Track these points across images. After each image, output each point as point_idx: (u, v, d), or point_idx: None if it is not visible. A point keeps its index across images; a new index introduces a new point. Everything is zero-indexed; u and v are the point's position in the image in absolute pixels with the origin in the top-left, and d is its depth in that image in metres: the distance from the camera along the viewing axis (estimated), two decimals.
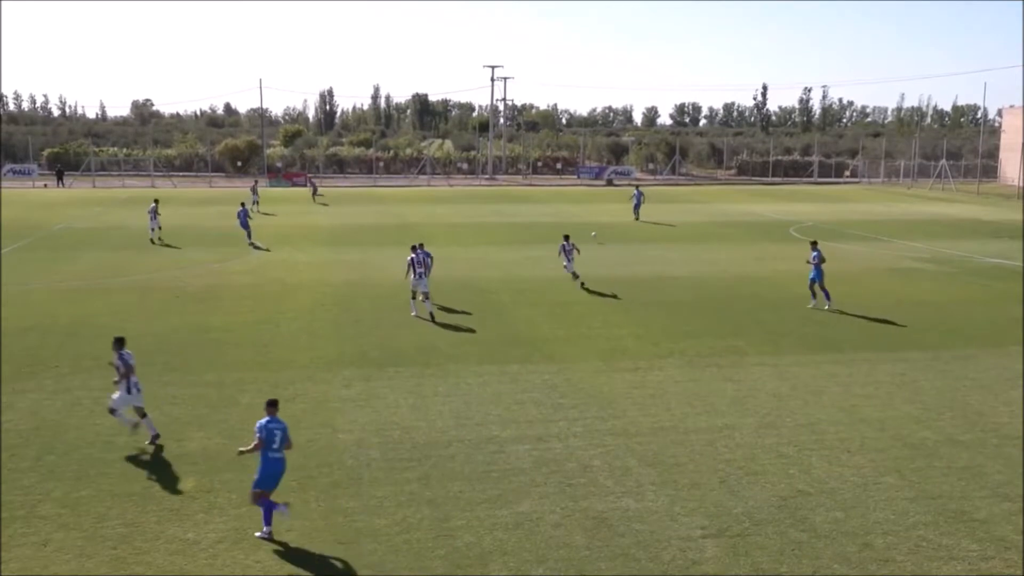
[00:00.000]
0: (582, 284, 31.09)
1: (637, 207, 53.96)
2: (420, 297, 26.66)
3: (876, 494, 14.41)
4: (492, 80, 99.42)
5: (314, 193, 68.49)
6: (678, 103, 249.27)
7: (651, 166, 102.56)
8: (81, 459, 15.56)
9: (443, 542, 12.69)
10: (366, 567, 12.03)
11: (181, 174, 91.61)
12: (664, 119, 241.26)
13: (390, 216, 55.72)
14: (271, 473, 13.10)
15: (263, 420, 13.24)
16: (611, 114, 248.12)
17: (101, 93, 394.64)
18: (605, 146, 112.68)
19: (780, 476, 15.10)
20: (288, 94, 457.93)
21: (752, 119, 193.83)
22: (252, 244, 41.46)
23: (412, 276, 26.35)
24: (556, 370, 21.19)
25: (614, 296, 29.93)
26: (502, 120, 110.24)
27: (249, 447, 13.39)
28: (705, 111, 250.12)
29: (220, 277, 33.35)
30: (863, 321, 26.67)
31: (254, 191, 59.59)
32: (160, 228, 43.64)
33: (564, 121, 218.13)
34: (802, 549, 12.57)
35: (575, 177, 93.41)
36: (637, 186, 57.59)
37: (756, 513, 13.66)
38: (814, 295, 28.38)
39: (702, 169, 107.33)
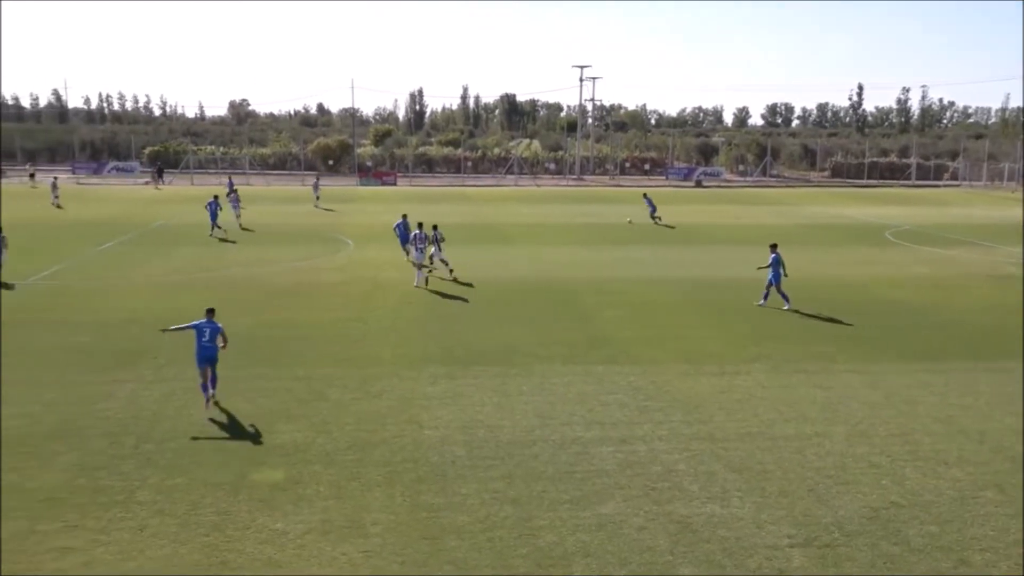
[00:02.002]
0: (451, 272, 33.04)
1: (653, 213, 52.94)
2: (422, 270, 31.70)
3: (974, 509, 13.93)
4: (581, 80, 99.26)
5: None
6: (770, 103, 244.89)
7: (741, 167, 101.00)
8: (176, 448, 16.04)
9: (526, 541, 12.71)
10: (449, 563, 12.12)
11: (275, 172, 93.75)
12: (755, 119, 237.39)
13: (476, 216, 56.03)
14: (200, 357, 18.00)
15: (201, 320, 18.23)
16: (701, 114, 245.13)
17: (200, 93, 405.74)
18: (694, 147, 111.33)
19: (872, 487, 14.71)
20: (379, 94, 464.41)
21: (847, 120, 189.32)
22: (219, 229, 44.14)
23: (414, 252, 31.54)
24: (641, 372, 21.04)
25: (699, 298, 29.56)
26: (590, 120, 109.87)
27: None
28: (798, 111, 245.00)
29: (310, 274, 34.00)
30: (960, 329, 25.81)
31: (316, 188, 62.11)
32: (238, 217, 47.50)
33: (653, 121, 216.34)
34: (894, 563, 12.22)
35: (663, 178, 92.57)
36: (645, 194, 57.27)
37: (846, 524, 13.34)
38: (783, 296, 28.04)
39: (794, 171, 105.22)
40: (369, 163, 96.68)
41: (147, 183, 78.79)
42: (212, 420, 17.46)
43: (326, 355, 22.32)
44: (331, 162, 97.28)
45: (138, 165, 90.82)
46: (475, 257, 38.15)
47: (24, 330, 24.42)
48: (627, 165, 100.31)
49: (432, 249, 32.98)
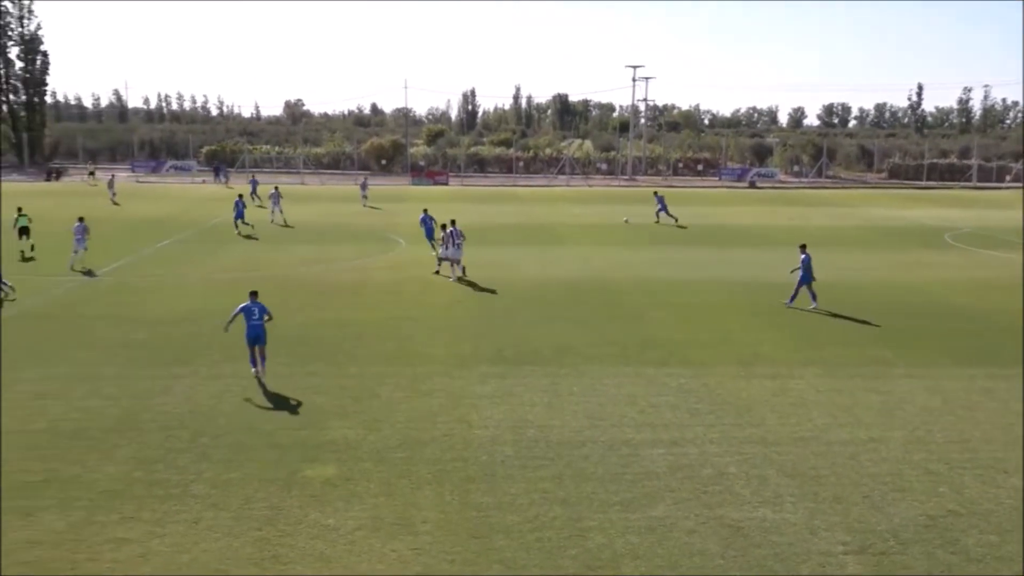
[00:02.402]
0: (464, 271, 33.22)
1: (662, 211, 52.63)
2: (454, 264, 32.76)
3: None
4: (634, 80, 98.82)
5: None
6: (826, 103, 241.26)
7: (796, 168, 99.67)
8: (231, 443, 16.28)
9: (575, 542, 12.67)
10: (498, 563, 12.14)
11: (329, 171, 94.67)
12: (811, 120, 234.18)
13: (528, 216, 56.04)
14: (250, 337, 19.72)
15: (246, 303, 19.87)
16: (755, 115, 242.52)
17: (256, 94, 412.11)
18: (748, 147, 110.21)
19: (929, 494, 14.42)
20: (432, 94, 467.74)
21: (906, 120, 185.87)
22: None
23: (449, 248, 32.56)
24: (692, 374, 20.87)
25: (752, 301, 29.25)
26: (642, 120, 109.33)
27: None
28: (855, 112, 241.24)
29: (362, 273, 34.28)
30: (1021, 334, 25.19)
31: (363, 187, 62.42)
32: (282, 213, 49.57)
33: (706, 122, 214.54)
34: (952, 572, 11.97)
35: (716, 179, 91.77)
36: (655, 191, 57.08)
37: (902, 531, 13.10)
38: (812, 295, 28.04)
39: (850, 172, 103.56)
40: (421, 163, 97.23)
41: (217, 182, 79.81)
42: (266, 416, 17.68)
43: (378, 353, 22.49)
44: (384, 162, 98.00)
45: (195, 164, 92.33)
46: (526, 257, 38.17)
47: (87, 325, 24.98)
48: (680, 166, 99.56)
49: (441, 248, 33.57)
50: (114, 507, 13.62)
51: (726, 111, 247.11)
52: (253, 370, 20.13)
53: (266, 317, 20.04)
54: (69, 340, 23.30)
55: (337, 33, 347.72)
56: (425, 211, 40.35)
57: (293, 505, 13.77)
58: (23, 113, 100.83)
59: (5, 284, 28.67)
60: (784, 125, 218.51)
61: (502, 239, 44.34)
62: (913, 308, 28.44)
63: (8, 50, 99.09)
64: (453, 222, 33.65)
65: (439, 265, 33.98)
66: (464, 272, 33.16)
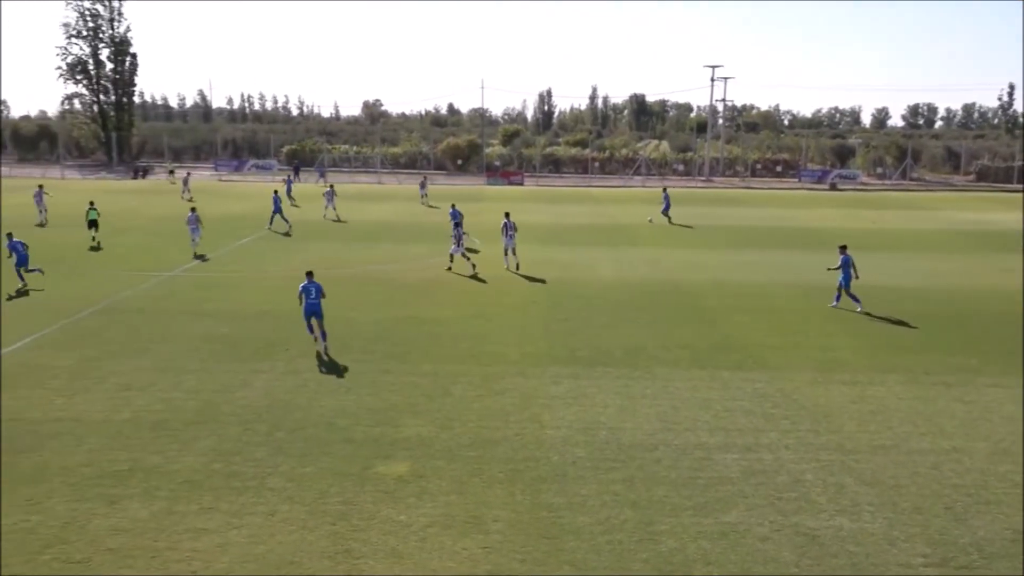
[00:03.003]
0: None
1: (666, 210, 52.46)
2: (510, 253, 34.82)
3: None
4: (712, 80, 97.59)
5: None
6: (911, 104, 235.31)
7: (879, 170, 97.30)
8: (307, 438, 16.56)
9: (646, 546, 12.59)
10: (568, 564, 12.12)
11: (405, 171, 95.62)
12: (895, 121, 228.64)
13: (602, 216, 55.79)
14: (307, 312, 22.08)
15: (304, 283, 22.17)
16: (837, 115, 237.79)
17: (335, 94, 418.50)
18: (829, 148, 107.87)
19: (1015, 507, 13.96)
20: (508, 94, 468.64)
21: (996, 121, 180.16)
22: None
23: (504, 238, 34.99)
24: (768, 379, 20.55)
25: (829, 305, 28.66)
26: (720, 121, 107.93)
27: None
28: (942, 112, 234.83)
29: (436, 271, 34.53)
30: None
31: (422, 186, 63.67)
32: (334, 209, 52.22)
33: (786, 122, 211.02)
34: None
35: (796, 180, 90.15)
36: (664, 188, 56.71)
37: (986, 545, 12.70)
38: (853, 298, 27.99)
39: (936, 174, 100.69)
40: (497, 163, 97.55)
41: (318, 182, 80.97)
42: (341, 412, 17.94)
43: (451, 351, 22.64)
44: (460, 162, 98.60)
45: (276, 163, 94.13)
46: (600, 258, 38.02)
47: (171, 319, 25.67)
48: (758, 167, 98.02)
49: (453, 246, 34.59)
50: (193, 497, 13.97)
51: (807, 111, 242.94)
52: (315, 339, 22.60)
53: (322, 295, 22.44)
54: (154, 334, 23.98)
55: (415, 34, 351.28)
56: (453, 206, 43.80)
57: (366, 500, 13.95)
58: (112, 113, 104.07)
59: (37, 269, 31.12)
60: (867, 126, 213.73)
61: (576, 240, 44.22)
62: (1000, 315, 27.55)
63: (100, 52, 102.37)
64: (508, 215, 36.29)
65: (451, 261, 34.91)
66: (518, 268, 34.61)
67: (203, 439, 16.42)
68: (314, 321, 22.41)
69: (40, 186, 51.55)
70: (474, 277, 33.25)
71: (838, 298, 28.38)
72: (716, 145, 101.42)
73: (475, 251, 38.83)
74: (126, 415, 17.64)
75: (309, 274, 22.97)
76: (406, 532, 12.94)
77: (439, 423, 17.42)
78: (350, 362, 21.42)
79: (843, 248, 28.53)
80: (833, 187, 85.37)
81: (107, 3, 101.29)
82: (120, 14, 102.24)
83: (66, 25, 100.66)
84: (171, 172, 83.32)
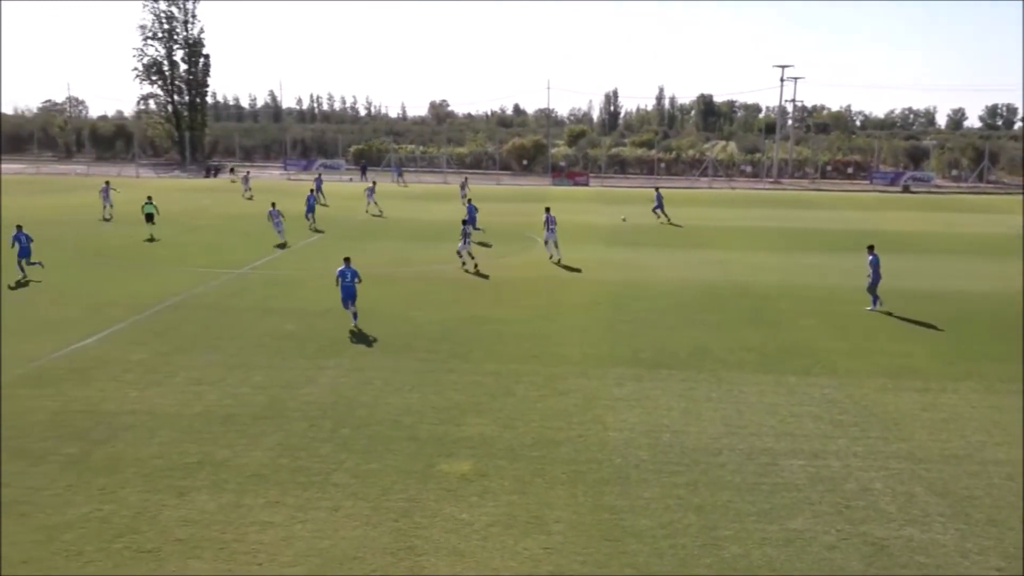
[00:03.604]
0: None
1: (656, 208, 52.79)
2: (552, 245, 36.90)
3: None
4: (781, 80, 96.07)
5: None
6: (989, 104, 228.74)
7: (955, 172, 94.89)
8: (371, 435, 16.73)
9: (709, 551, 12.45)
10: (630, 567, 12.05)
11: (471, 171, 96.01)
12: (972, 122, 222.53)
13: (668, 217, 55.32)
14: (344, 296, 24.74)
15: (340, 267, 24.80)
16: (911, 116, 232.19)
17: (403, 94, 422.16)
18: (902, 150, 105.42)
19: None
20: (574, 95, 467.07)
21: None
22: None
23: (546, 231, 37.16)
24: (837, 384, 20.17)
25: (902, 309, 28.02)
26: (790, 122, 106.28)
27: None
28: (1021, 113, 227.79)
29: (502, 271, 34.61)
30: None
31: (463, 186, 62.95)
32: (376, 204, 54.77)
33: (858, 123, 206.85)
34: None
35: (867, 182, 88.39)
36: (657, 188, 57.58)
37: None
38: (874, 297, 28.15)
39: (1015, 176, 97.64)
40: (562, 163, 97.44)
41: (397, 182, 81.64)
42: (405, 409, 18.09)
43: (515, 351, 22.67)
44: (525, 162, 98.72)
45: (343, 163, 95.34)
46: (665, 259, 37.74)
47: (239, 316, 26.16)
48: (828, 168, 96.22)
49: (460, 243, 35.23)
50: (260, 491, 14.21)
51: (879, 112, 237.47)
52: (348, 310, 25.23)
53: (357, 279, 25.00)
54: (224, 330, 24.45)
55: (482, 34, 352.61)
56: (470, 201, 45.92)
57: (429, 498, 14.04)
58: (186, 113, 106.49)
59: (37, 263, 32.44)
60: (943, 127, 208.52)
61: (640, 240, 43.96)
62: None
63: (174, 53, 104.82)
64: (548, 209, 38.66)
65: (461, 258, 35.34)
66: (559, 261, 36.47)
67: (270, 434, 16.69)
68: (349, 303, 25.04)
69: (107, 182, 53.77)
70: (476, 273, 33.90)
71: (875, 301, 28.07)
72: (785, 146, 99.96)
73: (554, 259, 38.79)
74: (197, 409, 18.02)
75: (347, 260, 25.47)
76: (468, 530, 12.99)
77: (502, 422, 17.46)
78: (415, 361, 21.59)
79: (871, 248, 28.68)
80: (906, 189, 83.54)
81: (181, 5, 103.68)
82: (194, 16, 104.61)
83: (143, 27, 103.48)
84: (231, 171, 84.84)
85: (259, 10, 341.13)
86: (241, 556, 12.19)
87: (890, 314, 27.39)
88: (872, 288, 28.10)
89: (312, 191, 51.65)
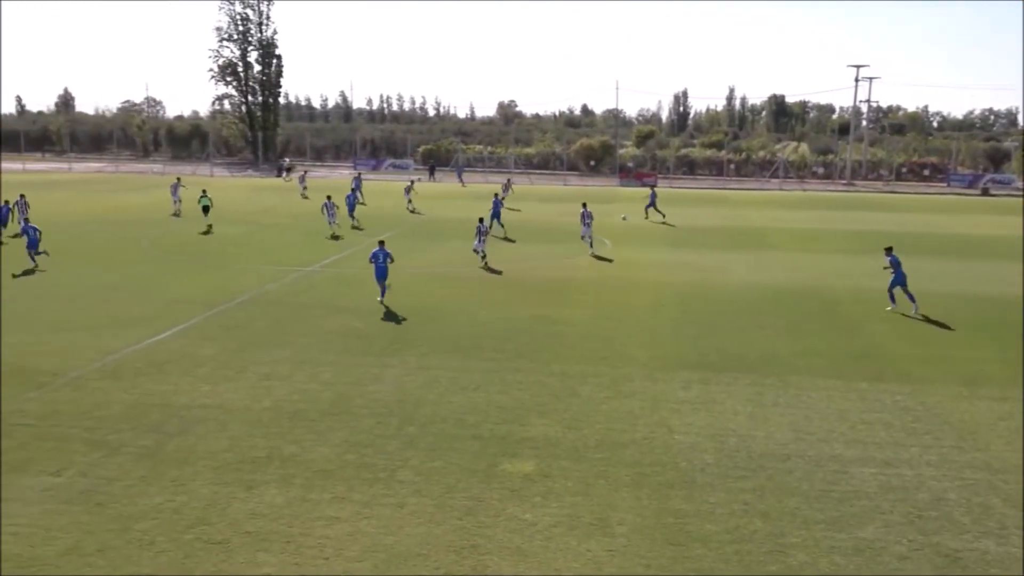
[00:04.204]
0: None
1: (649, 207, 53.29)
2: (587, 239, 39.98)
3: None
4: (856, 80, 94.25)
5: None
6: None
7: None
8: (436, 433, 16.83)
9: (776, 558, 12.26)
10: (694, 572, 11.93)
11: (538, 171, 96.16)
12: None
13: (736, 219, 54.74)
14: (377, 275, 27.88)
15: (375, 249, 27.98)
16: (991, 117, 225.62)
17: (471, 95, 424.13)
18: (982, 152, 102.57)
19: None
20: (643, 95, 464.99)
21: None
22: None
23: (583, 226, 40.43)
24: (909, 391, 19.71)
25: (980, 316, 27.26)
26: (864, 122, 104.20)
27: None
28: (1022, 111, 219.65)
29: (568, 271, 34.57)
30: None
31: (506, 188, 63.59)
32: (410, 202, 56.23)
33: (935, 124, 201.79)
34: None
35: (944, 185, 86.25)
36: (652, 187, 59.42)
37: None
38: (891, 296, 28.27)
39: None
40: (630, 164, 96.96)
41: (420, 179, 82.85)
42: (469, 408, 18.16)
43: (580, 352, 22.61)
44: (592, 162, 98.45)
45: (412, 163, 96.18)
46: (733, 261, 37.30)
47: (308, 313, 26.54)
48: (904, 170, 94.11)
49: (476, 240, 36.22)
50: (327, 486, 14.40)
51: (958, 113, 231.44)
52: (379, 300, 27.93)
53: (389, 259, 28.02)
54: (293, 326, 24.84)
55: (551, 35, 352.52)
56: (496, 195, 48.91)
57: (492, 497, 14.07)
58: (259, 113, 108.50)
59: (44, 252, 34.37)
60: None
61: (709, 243, 43.51)
62: None
63: (249, 54, 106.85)
64: (585, 205, 41.93)
65: (478, 253, 36.11)
66: (592, 248, 39.50)
67: (337, 430, 16.91)
68: (382, 283, 28.11)
69: (178, 179, 56.06)
70: (486, 268, 34.75)
71: (912, 299, 27.89)
72: (859, 148, 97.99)
73: (602, 257, 38.64)
74: (266, 404, 18.33)
75: (381, 243, 28.58)
76: (531, 531, 13.00)
77: (566, 423, 17.43)
78: (480, 360, 21.67)
79: (889, 249, 28.83)
80: (985, 192, 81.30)
81: (256, 7, 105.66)
82: (268, 18, 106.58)
83: (218, 29, 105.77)
84: (288, 171, 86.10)
85: (331, 11, 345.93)
86: (308, 550, 12.36)
87: (927, 318, 26.67)
88: (891, 286, 28.16)
89: (352, 190, 53.50)
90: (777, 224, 52.04)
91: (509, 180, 67.99)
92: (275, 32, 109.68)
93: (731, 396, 19.20)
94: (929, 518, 13.51)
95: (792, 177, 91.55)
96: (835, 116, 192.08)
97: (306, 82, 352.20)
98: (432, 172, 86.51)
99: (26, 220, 34.20)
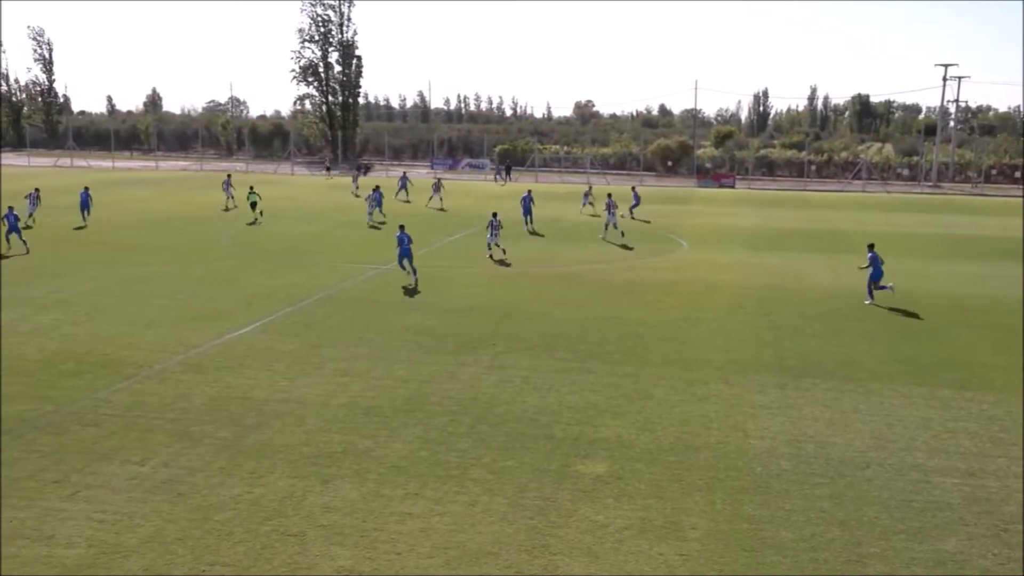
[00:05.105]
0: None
1: (635, 206, 53.39)
2: (611, 227, 43.14)
3: None
4: (944, 80, 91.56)
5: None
6: None
7: None
8: (508, 432, 16.87)
9: (853, 568, 11.99)
10: None
11: (614, 172, 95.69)
12: None
13: (816, 221, 53.71)
14: (400, 257, 30.72)
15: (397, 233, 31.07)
16: None
17: (548, 95, 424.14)
18: None
19: None
20: (722, 95, 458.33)
21: None
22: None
23: (607, 215, 43.46)
24: (996, 400, 19.08)
25: None
26: (952, 123, 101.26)
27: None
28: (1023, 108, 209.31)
29: (644, 272, 34.34)
30: None
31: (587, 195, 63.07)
32: (440, 199, 57.48)
33: None
34: None
35: None
36: (634, 188, 58.67)
37: None
38: (870, 290, 29.34)
39: None
40: (708, 165, 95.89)
41: (495, 179, 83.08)
42: (542, 408, 18.16)
43: (655, 354, 22.44)
44: (670, 163, 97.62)
45: (488, 162, 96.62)
46: (813, 264, 36.63)
47: (384, 310, 26.86)
48: (993, 172, 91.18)
49: (489, 235, 37.35)
50: (400, 482, 14.54)
51: None
52: (408, 273, 30.74)
53: (410, 242, 30.61)
54: (369, 323, 25.15)
55: (629, 35, 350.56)
56: (529, 192, 49.82)
57: (564, 498, 14.04)
58: (339, 113, 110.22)
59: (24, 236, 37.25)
60: None
61: (788, 245, 42.78)
62: None
63: (329, 55, 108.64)
64: (610, 195, 45.52)
65: (490, 251, 37.34)
66: (621, 234, 42.93)
67: (411, 427, 17.06)
68: (406, 262, 30.51)
69: (228, 175, 58.93)
70: (501, 262, 35.58)
71: (871, 294, 29.24)
72: (946, 149, 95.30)
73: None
74: (342, 400, 18.59)
75: (401, 227, 31.68)
76: (603, 532, 12.93)
77: (639, 425, 17.31)
78: (553, 360, 21.66)
79: (871, 247, 30.13)
80: None
81: (337, 9, 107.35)
82: (349, 19, 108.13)
83: (300, 30, 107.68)
84: (327, 169, 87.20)
85: (410, 12, 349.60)
86: (381, 545, 12.50)
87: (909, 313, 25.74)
88: (871, 281, 29.27)
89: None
90: (859, 227, 50.89)
91: (590, 187, 66.88)
92: (355, 33, 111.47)
93: (809, 401, 18.85)
94: (1015, 531, 13.06)
95: (875, 179, 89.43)
96: (921, 116, 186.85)
97: (385, 82, 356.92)
98: (508, 172, 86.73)
99: (11, 208, 37.49)
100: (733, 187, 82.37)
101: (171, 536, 12.65)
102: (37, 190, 47.13)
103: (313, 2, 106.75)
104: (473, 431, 16.91)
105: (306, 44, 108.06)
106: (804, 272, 34.70)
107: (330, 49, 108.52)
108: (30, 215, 44.64)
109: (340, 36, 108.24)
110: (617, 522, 13.25)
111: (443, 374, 20.45)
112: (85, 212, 46.12)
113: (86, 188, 48.06)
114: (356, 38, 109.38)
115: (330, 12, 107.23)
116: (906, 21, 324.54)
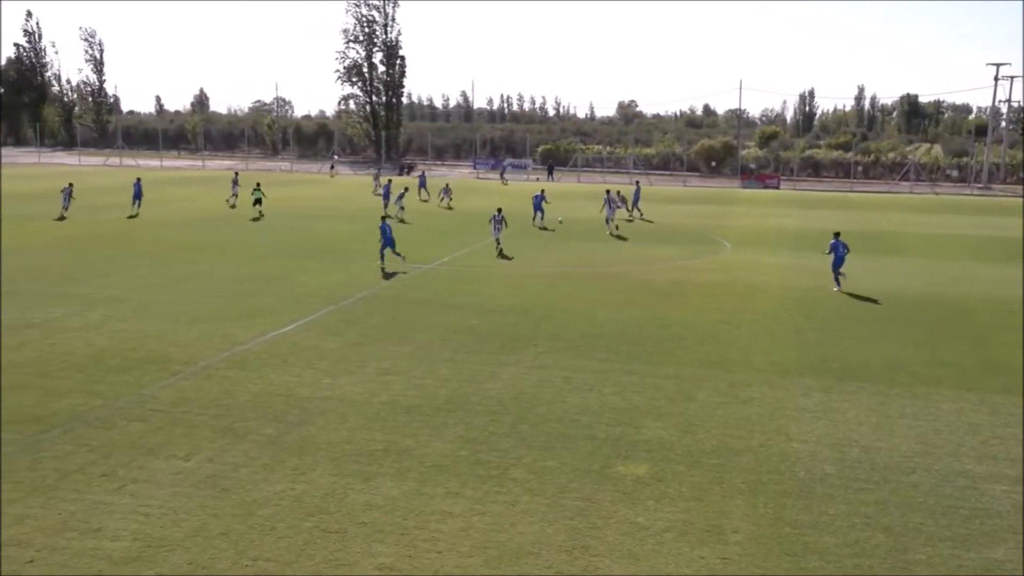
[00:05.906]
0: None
1: (635, 203, 53.46)
2: (611, 222, 45.72)
3: None
4: (995, 79, 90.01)
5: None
6: None
7: None
8: (549, 432, 16.86)
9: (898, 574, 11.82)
10: None
11: (657, 172, 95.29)
12: None
13: (862, 223, 53.04)
14: (383, 244, 33.88)
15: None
16: None
17: (591, 94, 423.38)
18: None
19: None
20: (767, 95, 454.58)
21: None
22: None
23: (607, 208, 45.81)
24: None
25: None
26: (1003, 123, 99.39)
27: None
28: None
29: (686, 273, 34.15)
30: None
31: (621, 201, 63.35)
32: (448, 200, 58.95)
33: None
34: None
35: None
36: (637, 182, 59.03)
37: None
38: (836, 277, 31.22)
39: None
40: (752, 165, 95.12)
41: (537, 179, 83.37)
42: (583, 409, 18.12)
43: (697, 355, 22.30)
44: (714, 163, 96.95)
45: (531, 162, 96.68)
46: (858, 266, 36.12)
47: (425, 309, 26.98)
48: None
49: (493, 230, 38.68)
50: (440, 481, 14.59)
51: None
52: (397, 256, 34.03)
53: (391, 231, 33.71)
54: (412, 323, 25.28)
55: (673, 34, 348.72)
56: (542, 191, 50.31)
57: (605, 499, 14.01)
58: (383, 113, 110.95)
59: None
60: None
61: (823, 246, 42.18)
62: None
63: (373, 55, 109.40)
64: (608, 192, 47.12)
65: (499, 245, 38.51)
66: (617, 228, 45.55)
67: (452, 426, 17.12)
68: (388, 250, 33.69)
69: (236, 173, 61.49)
70: (501, 255, 36.49)
71: (837, 281, 31.06)
72: (997, 150, 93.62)
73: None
74: (384, 398, 18.71)
75: (384, 218, 35.37)
76: (643, 534, 12.88)
77: (681, 427, 17.21)
78: (595, 360, 21.61)
79: (836, 235, 32.05)
80: None
81: (382, 9, 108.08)
82: (393, 20, 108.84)
83: (345, 31, 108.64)
84: (331, 167, 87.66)
85: (454, 12, 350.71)
86: (421, 543, 12.56)
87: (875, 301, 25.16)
88: (835, 265, 31.09)
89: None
90: (906, 228, 50.20)
91: (619, 192, 61.53)
92: (399, 33, 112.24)
93: (853, 405, 18.61)
94: None
95: (924, 180, 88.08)
96: (971, 117, 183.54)
97: (429, 82, 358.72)
98: (551, 172, 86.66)
99: None
100: (778, 188, 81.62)
101: (215, 531, 12.82)
102: (71, 185, 49.02)
103: (358, 3, 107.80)
104: (514, 431, 16.93)
105: (351, 44, 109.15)
106: (848, 274, 34.22)
107: (374, 49, 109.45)
108: (65, 208, 47.87)
109: (384, 36, 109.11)
110: (658, 524, 13.19)
111: (484, 373, 20.49)
112: (137, 202, 49.73)
113: (138, 179, 52.33)
114: (400, 38, 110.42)
115: (375, 13, 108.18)
116: (956, 20, 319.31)
